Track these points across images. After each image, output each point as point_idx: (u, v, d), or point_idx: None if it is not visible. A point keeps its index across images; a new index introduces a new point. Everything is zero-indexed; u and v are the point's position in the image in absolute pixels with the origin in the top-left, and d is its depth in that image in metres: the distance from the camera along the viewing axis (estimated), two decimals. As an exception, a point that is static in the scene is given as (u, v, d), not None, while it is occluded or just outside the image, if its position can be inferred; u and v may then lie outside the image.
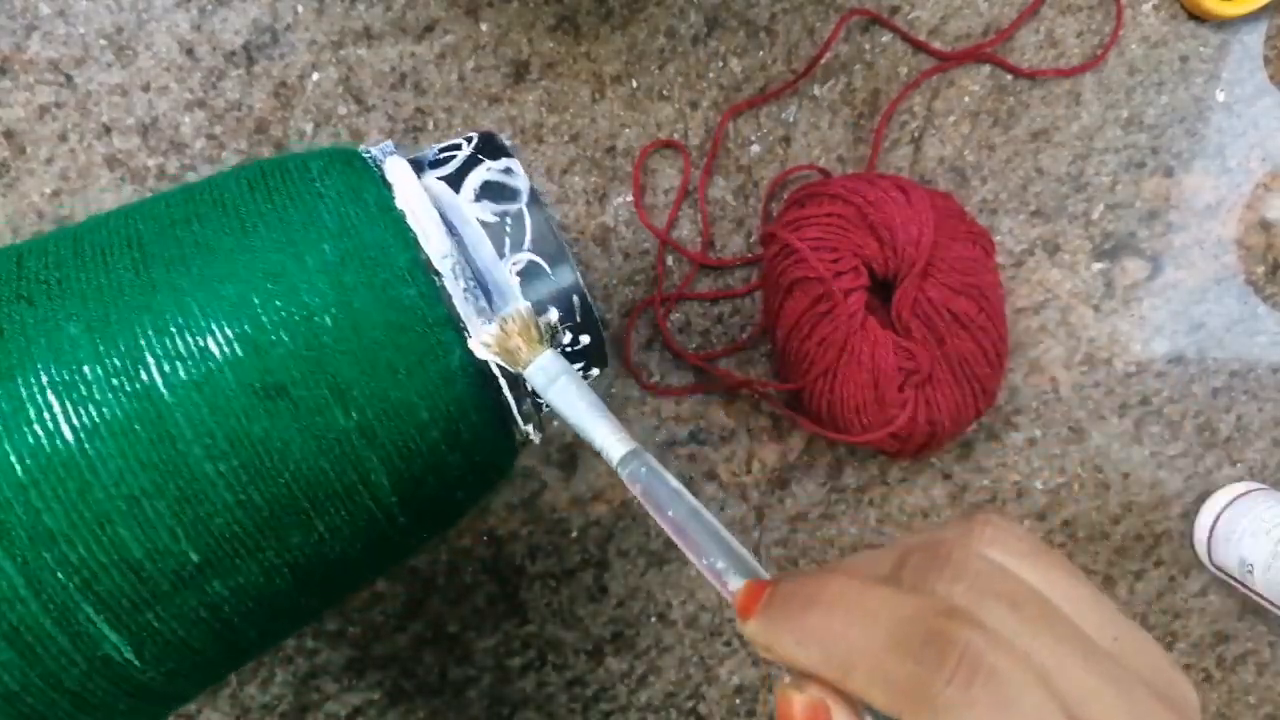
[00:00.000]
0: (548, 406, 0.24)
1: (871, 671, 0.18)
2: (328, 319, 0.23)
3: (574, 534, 0.41)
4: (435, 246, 0.24)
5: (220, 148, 0.37)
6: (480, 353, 0.24)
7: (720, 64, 0.40)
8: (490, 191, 0.26)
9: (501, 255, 0.26)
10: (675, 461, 0.41)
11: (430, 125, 0.38)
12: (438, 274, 0.24)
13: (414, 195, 0.25)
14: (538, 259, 0.26)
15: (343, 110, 0.38)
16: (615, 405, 0.40)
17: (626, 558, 0.41)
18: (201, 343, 0.22)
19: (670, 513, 0.21)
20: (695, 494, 0.41)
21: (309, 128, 0.37)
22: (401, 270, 0.24)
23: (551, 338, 0.26)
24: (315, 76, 0.37)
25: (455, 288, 0.24)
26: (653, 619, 0.42)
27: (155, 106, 0.37)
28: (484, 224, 0.26)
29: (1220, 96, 0.42)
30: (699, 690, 0.42)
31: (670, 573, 0.41)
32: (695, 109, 0.40)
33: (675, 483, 0.21)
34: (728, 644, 0.42)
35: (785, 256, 0.38)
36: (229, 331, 0.22)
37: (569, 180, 0.39)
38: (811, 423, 0.40)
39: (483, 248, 0.26)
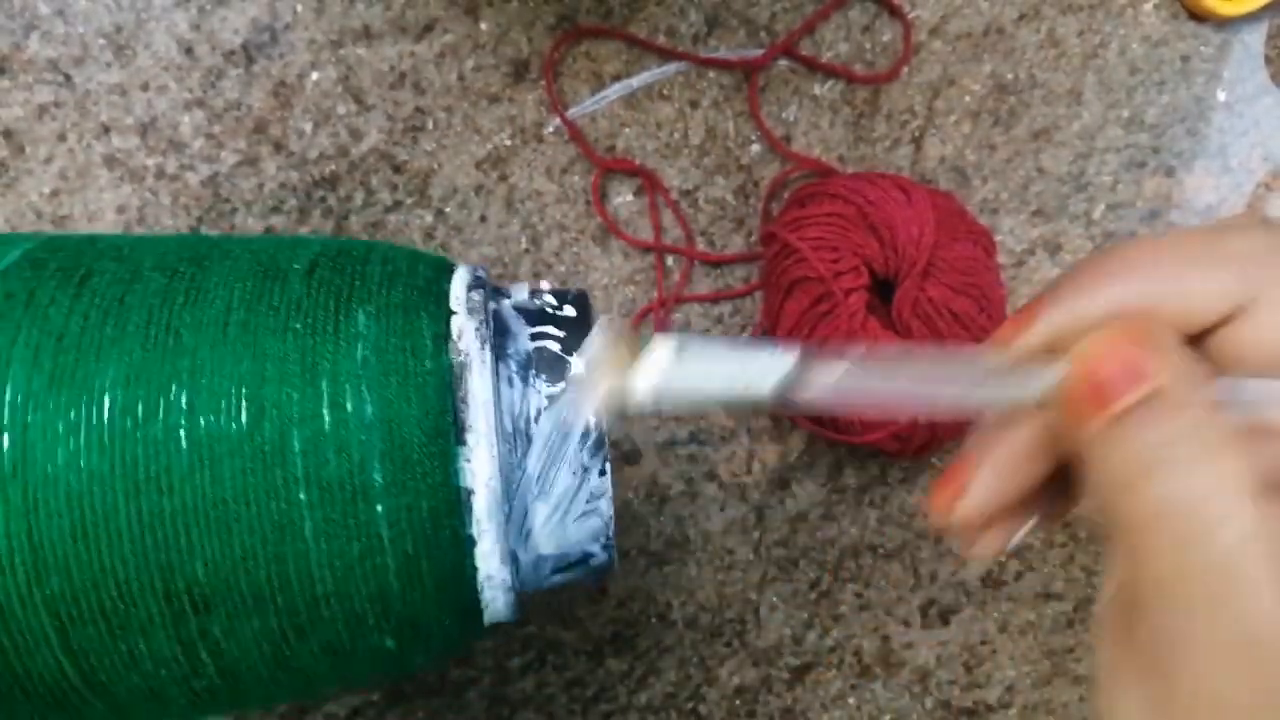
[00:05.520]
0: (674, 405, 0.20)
1: (1210, 259, 0.16)
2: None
3: (574, 534, 0.41)
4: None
5: (219, 147, 0.37)
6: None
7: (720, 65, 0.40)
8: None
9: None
10: (675, 462, 0.41)
11: (430, 125, 0.38)
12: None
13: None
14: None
15: (342, 109, 0.37)
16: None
17: (626, 558, 0.41)
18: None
19: (895, 383, 0.18)
20: (695, 494, 0.41)
21: (308, 127, 0.37)
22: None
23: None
24: (314, 76, 0.37)
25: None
26: (653, 620, 0.42)
27: (154, 106, 0.37)
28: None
29: (1221, 96, 0.42)
30: (699, 691, 0.42)
31: (670, 573, 0.41)
32: (695, 109, 0.40)
33: (855, 361, 0.18)
34: (728, 644, 0.42)
35: (786, 256, 0.38)
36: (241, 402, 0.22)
37: (569, 180, 0.39)
38: (812, 423, 0.40)
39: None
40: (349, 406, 0.22)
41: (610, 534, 0.26)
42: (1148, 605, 0.16)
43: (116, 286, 0.23)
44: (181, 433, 0.21)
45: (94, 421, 0.21)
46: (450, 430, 0.23)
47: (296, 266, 0.24)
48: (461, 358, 0.23)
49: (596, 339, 0.19)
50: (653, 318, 0.40)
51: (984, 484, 0.19)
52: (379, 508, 0.22)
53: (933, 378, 0.18)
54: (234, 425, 0.21)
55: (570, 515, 0.25)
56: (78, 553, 0.21)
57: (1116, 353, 0.16)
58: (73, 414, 0.21)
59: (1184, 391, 0.16)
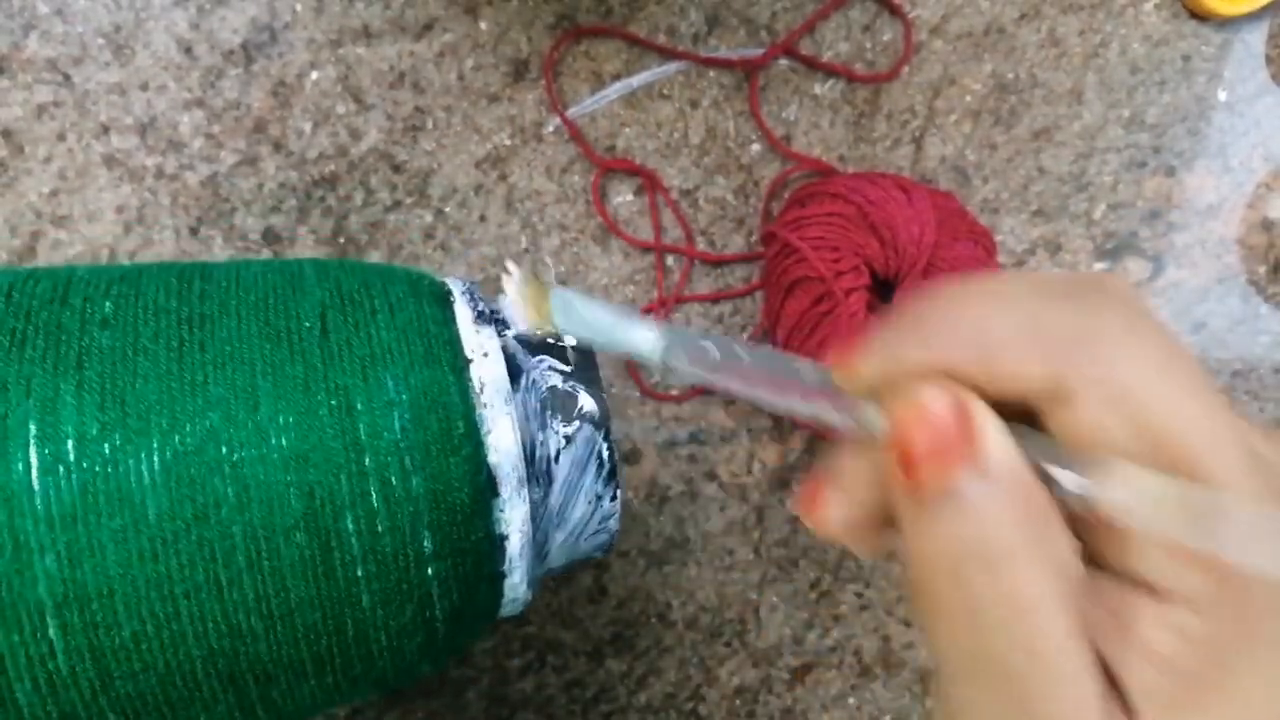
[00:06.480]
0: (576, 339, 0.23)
1: (1023, 337, 0.15)
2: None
3: (574, 535, 0.41)
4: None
5: (219, 147, 0.37)
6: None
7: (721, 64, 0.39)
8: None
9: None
10: (675, 462, 0.41)
11: (429, 124, 0.38)
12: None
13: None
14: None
15: (341, 109, 0.37)
16: (616, 406, 0.40)
17: (626, 558, 0.41)
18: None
19: (737, 371, 0.18)
20: (695, 494, 0.41)
21: (308, 127, 0.37)
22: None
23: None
24: (314, 75, 0.37)
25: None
26: (652, 620, 0.41)
27: (153, 105, 0.37)
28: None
29: (1222, 96, 0.42)
30: (699, 691, 0.42)
31: (670, 573, 0.41)
32: (696, 108, 0.40)
33: (717, 343, 0.19)
34: (728, 645, 0.42)
35: (786, 256, 0.38)
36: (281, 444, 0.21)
37: (569, 180, 0.39)
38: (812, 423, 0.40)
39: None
40: (395, 481, 0.22)
41: (614, 541, 0.27)
42: (945, 689, 0.15)
43: (123, 367, 0.21)
44: (236, 530, 0.20)
45: (140, 528, 0.20)
46: (486, 486, 0.23)
47: (307, 325, 0.23)
48: (487, 410, 0.23)
49: (510, 285, 0.22)
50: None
51: (837, 507, 0.18)
52: (429, 570, 0.23)
53: (779, 381, 0.18)
54: (288, 517, 0.21)
55: (583, 536, 0.26)
56: (143, 659, 0.20)
57: (928, 425, 0.15)
58: (116, 523, 0.20)
59: (994, 486, 0.15)
